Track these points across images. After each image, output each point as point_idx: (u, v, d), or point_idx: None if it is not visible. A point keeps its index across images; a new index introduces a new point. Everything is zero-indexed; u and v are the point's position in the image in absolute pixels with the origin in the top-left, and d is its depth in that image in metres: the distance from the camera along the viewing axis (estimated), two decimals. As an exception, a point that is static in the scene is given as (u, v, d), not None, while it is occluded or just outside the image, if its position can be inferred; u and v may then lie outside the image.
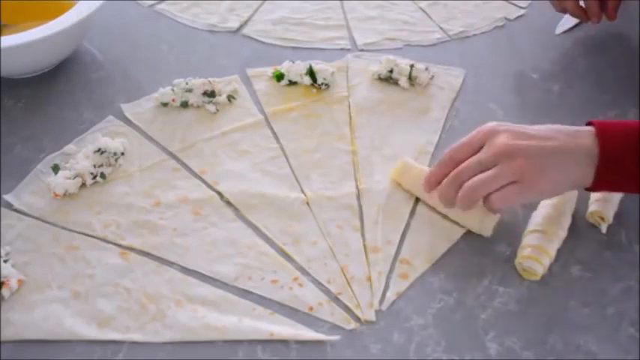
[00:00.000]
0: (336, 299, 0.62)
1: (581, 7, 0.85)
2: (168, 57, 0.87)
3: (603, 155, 0.60)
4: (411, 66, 0.82)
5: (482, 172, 0.62)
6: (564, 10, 0.87)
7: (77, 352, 0.58)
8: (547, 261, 0.62)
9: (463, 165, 0.63)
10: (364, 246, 0.66)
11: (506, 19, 0.93)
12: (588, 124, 0.63)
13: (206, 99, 0.79)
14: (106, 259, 0.64)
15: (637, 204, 0.68)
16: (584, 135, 0.62)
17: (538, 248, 0.62)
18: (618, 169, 0.61)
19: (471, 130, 0.77)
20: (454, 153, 0.65)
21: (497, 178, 0.61)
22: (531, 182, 0.61)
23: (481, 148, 0.63)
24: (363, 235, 0.67)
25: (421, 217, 0.68)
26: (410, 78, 0.81)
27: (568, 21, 0.91)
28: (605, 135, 0.61)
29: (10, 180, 0.70)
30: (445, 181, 0.64)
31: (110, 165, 0.72)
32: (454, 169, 0.64)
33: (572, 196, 0.67)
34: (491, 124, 0.64)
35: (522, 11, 0.95)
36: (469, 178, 0.62)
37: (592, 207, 0.67)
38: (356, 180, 0.72)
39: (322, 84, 0.81)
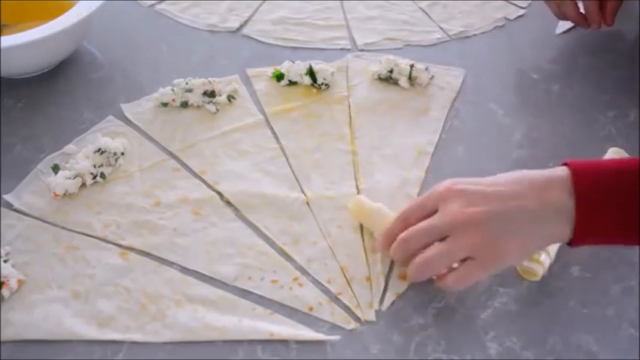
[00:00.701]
0: (336, 299, 0.62)
1: (581, 13, 0.85)
2: (168, 57, 0.87)
3: (582, 209, 0.54)
4: (411, 66, 0.82)
5: (432, 239, 0.57)
6: (564, 17, 0.86)
7: (77, 352, 0.58)
8: (547, 261, 0.62)
9: (413, 229, 0.58)
10: (364, 246, 0.66)
11: (506, 19, 0.93)
12: (564, 164, 0.58)
13: (206, 99, 0.79)
14: (106, 259, 0.64)
15: (637, 204, 0.68)
16: (556, 185, 0.56)
17: (538, 248, 0.62)
18: (605, 220, 0.55)
19: (471, 130, 0.77)
20: (408, 214, 0.60)
21: (450, 255, 0.56)
22: (489, 258, 0.56)
23: (435, 211, 0.58)
24: (362, 235, 0.67)
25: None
26: (410, 78, 0.81)
27: (568, 21, 0.91)
28: (584, 182, 0.55)
29: (10, 180, 0.70)
30: (394, 244, 0.59)
31: (110, 165, 0.72)
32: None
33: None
34: (446, 184, 0.58)
35: (522, 11, 0.95)
36: (418, 245, 0.57)
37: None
38: (356, 180, 0.72)
39: (322, 84, 0.81)
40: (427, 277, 0.59)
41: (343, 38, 0.90)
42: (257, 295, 0.62)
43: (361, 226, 0.67)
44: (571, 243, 0.57)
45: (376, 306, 0.61)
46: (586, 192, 0.55)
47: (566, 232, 0.56)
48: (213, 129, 0.77)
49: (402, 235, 0.59)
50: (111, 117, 0.77)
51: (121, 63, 0.86)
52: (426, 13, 0.95)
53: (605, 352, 0.58)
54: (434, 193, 0.59)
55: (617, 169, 0.56)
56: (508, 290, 0.62)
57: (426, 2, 0.96)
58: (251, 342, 0.58)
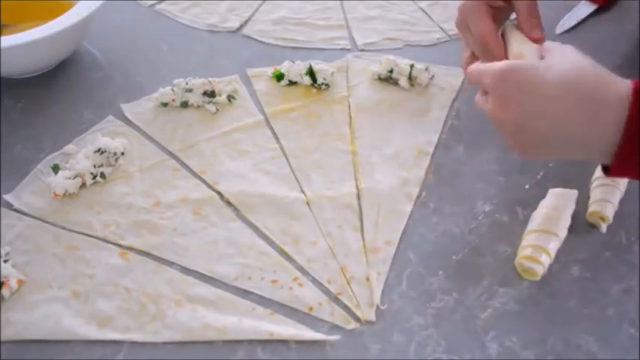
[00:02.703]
0: (336, 299, 0.62)
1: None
2: (168, 57, 0.87)
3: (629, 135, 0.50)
4: (411, 66, 0.81)
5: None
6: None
7: (77, 352, 0.58)
8: (547, 261, 0.62)
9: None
10: (364, 246, 0.66)
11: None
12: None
13: (206, 99, 0.79)
14: (106, 259, 0.64)
15: (637, 204, 0.68)
16: (610, 109, 0.51)
17: (538, 248, 0.62)
18: None
19: (471, 130, 0.77)
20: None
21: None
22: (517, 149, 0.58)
23: None
24: (362, 235, 0.67)
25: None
26: (410, 78, 0.81)
27: (568, 21, 0.91)
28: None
29: (10, 180, 0.70)
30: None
31: (110, 165, 0.72)
32: None
33: (572, 196, 0.67)
34: (499, 74, 0.56)
35: (522, 11, 0.95)
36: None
37: (592, 207, 0.67)
38: (356, 180, 0.72)
39: (322, 84, 0.81)
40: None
41: (343, 38, 0.90)
42: (257, 295, 0.62)
43: (361, 226, 0.67)
44: (608, 170, 0.54)
45: (376, 306, 0.61)
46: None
47: (605, 155, 0.52)
48: (213, 129, 0.77)
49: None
50: (111, 117, 0.77)
51: (121, 63, 0.86)
52: (426, 13, 0.95)
53: (605, 352, 0.58)
54: (489, 73, 0.57)
55: None
56: (508, 290, 0.62)
57: (426, 2, 0.96)
58: (251, 342, 0.58)
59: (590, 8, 0.92)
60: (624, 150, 0.51)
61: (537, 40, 0.63)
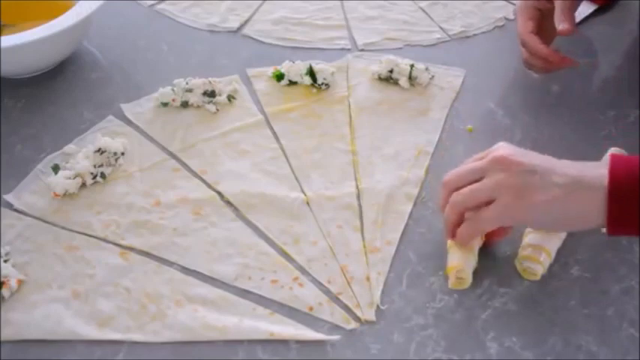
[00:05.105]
0: (336, 299, 0.62)
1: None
2: (168, 57, 0.87)
3: (612, 187, 0.54)
4: (411, 66, 0.82)
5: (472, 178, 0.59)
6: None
7: (77, 352, 0.58)
8: (547, 261, 0.62)
9: (457, 169, 0.61)
10: (364, 246, 0.66)
11: (506, 19, 0.93)
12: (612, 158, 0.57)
13: (206, 99, 0.79)
14: (106, 259, 0.64)
15: (637, 204, 0.68)
16: (598, 165, 0.57)
17: (538, 248, 0.62)
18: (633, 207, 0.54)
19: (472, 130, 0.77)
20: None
21: (476, 191, 0.58)
22: (507, 202, 0.56)
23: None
24: (362, 235, 0.67)
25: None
26: (410, 78, 0.81)
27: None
28: (619, 164, 0.55)
29: (10, 180, 0.70)
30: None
31: (110, 165, 0.72)
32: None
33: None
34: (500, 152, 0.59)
35: (522, 11, 0.95)
36: (458, 187, 0.60)
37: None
38: (356, 180, 0.72)
39: (322, 84, 0.81)
40: (456, 221, 0.60)
41: (343, 38, 0.90)
42: (257, 295, 0.62)
43: (361, 226, 0.67)
44: (609, 231, 0.56)
45: (376, 306, 0.61)
46: (620, 179, 0.55)
47: (600, 214, 0.55)
48: (213, 129, 0.77)
49: (447, 177, 0.62)
50: (111, 117, 0.77)
51: (121, 63, 0.86)
52: (426, 13, 0.95)
53: (605, 352, 0.58)
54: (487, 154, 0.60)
55: None
56: (508, 290, 0.62)
57: (426, 2, 0.96)
58: (251, 342, 0.58)
59: (590, 8, 0.92)
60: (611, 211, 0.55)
61: (563, 32, 0.74)
